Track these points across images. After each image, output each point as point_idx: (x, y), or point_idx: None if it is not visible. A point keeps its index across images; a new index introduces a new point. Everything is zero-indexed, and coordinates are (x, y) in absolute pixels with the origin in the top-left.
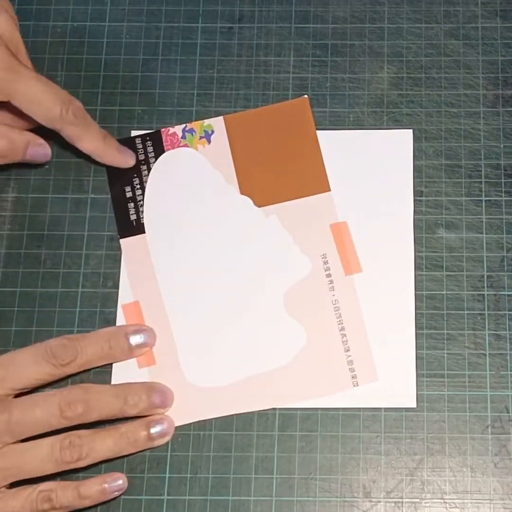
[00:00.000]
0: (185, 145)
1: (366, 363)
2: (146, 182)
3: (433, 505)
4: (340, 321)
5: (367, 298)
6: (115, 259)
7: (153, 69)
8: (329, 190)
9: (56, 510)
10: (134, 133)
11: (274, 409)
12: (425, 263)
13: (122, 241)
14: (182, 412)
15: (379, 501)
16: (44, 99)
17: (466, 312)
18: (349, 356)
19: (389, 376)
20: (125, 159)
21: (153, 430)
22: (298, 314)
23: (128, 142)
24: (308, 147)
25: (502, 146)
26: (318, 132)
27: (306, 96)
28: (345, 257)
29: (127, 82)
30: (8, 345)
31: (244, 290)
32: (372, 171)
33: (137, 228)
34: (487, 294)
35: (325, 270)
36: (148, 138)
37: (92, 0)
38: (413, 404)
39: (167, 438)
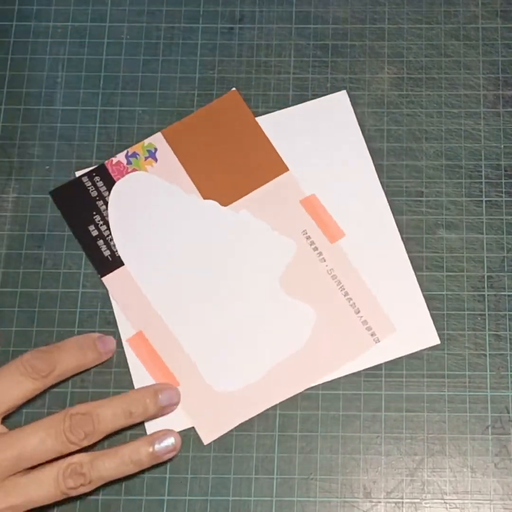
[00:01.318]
0: (134, 170)
1: (380, 318)
2: (107, 216)
3: (434, 505)
4: (341, 287)
5: (359, 257)
6: None
7: (154, 70)
8: (288, 169)
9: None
10: (78, 173)
11: (275, 409)
12: (426, 263)
13: (104, 279)
14: (221, 421)
15: (380, 502)
16: None
17: (466, 312)
18: (362, 316)
19: (405, 323)
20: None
21: (157, 447)
22: (300, 294)
23: (76, 183)
24: (253, 135)
25: (502, 146)
26: (257, 118)
27: (234, 89)
28: (324, 226)
29: (127, 82)
30: (9, 345)
31: (239, 288)
32: (321, 140)
33: (115, 262)
34: (488, 295)
35: (310, 244)
36: (94, 174)
37: (92, 0)
38: (436, 341)
39: (174, 453)
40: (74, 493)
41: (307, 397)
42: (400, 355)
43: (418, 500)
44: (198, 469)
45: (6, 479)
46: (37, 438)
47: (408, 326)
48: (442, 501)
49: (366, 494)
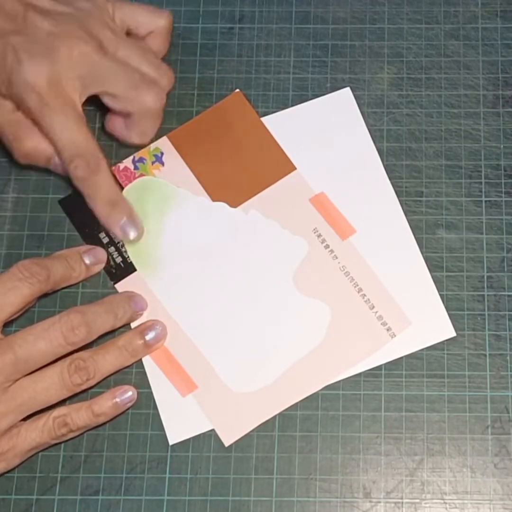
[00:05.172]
0: (141, 175)
1: (395, 313)
2: None
3: (433, 505)
4: (354, 283)
5: (370, 253)
6: None
7: None
8: (295, 168)
9: (74, 432)
10: None
11: None
12: (425, 263)
13: (117, 286)
14: (241, 422)
15: (379, 502)
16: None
17: (466, 312)
18: (376, 312)
19: (420, 317)
20: (126, 233)
21: (148, 337)
22: (314, 292)
23: None
24: (259, 135)
25: (502, 146)
26: (262, 118)
27: (238, 90)
28: (335, 224)
29: None
30: None
31: (254, 289)
32: (327, 138)
33: (127, 269)
34: (487, 295)
35: (322, 242)
36: None
37: None
38: (452, 333)
39: (163, 342)
40: (79, 389)
41: (307, 397)
42: (416, 349)
43: (418, 500)
44: (198, 469)
45: (13, 383)
46: (36, 340)
47: (423, 319)
48: (442, 501)
49: (366, 494)
